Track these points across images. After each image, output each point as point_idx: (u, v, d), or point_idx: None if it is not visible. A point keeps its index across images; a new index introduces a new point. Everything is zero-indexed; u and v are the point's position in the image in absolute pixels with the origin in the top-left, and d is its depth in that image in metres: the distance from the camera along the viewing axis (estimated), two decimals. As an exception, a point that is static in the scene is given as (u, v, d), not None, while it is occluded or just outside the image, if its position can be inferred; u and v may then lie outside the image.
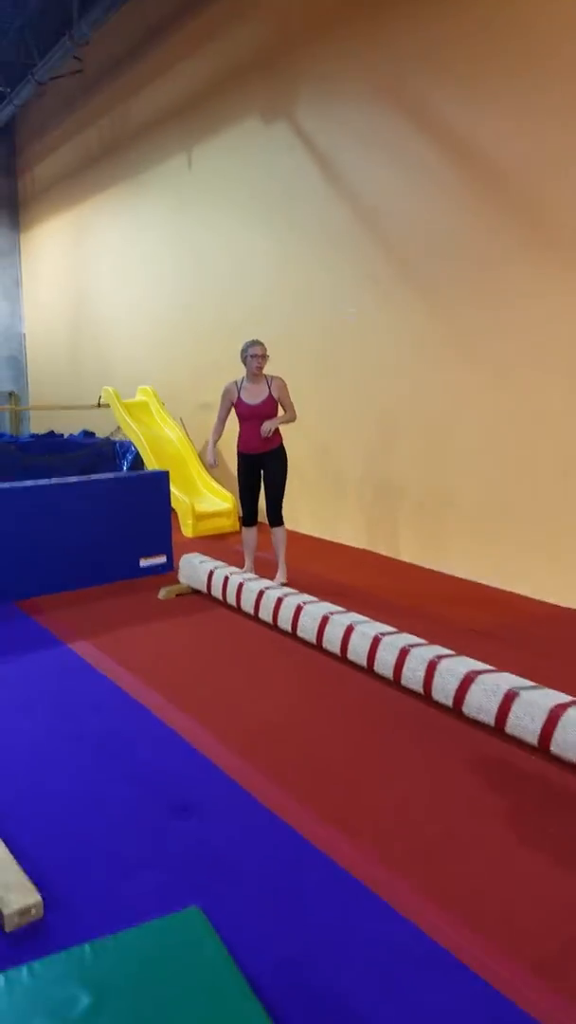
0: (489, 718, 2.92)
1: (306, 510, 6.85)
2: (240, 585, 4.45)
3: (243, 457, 5.26)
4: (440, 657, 3.19)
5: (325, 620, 3.78)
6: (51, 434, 9.27)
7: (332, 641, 3.73)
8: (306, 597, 4.11)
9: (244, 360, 5.13)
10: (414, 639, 3.44)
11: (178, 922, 1.96)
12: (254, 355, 5.07)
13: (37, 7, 8.68)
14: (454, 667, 3.10)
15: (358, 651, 3.57)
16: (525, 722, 2.77)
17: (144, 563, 5.46)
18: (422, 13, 5.13)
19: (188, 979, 1.78)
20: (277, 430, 5.18)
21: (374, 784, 2.69)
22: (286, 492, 5.29)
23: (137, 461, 8.02)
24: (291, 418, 5.20)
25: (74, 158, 10.75)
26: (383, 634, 3.50)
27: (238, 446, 5.27)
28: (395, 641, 3.41)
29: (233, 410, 5.22)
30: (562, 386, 4.56)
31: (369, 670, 3.56)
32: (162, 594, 4.92)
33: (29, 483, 5.09)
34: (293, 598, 4.09)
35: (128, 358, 9.81)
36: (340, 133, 6.02)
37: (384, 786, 2.68)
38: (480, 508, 5.19)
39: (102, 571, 5.28)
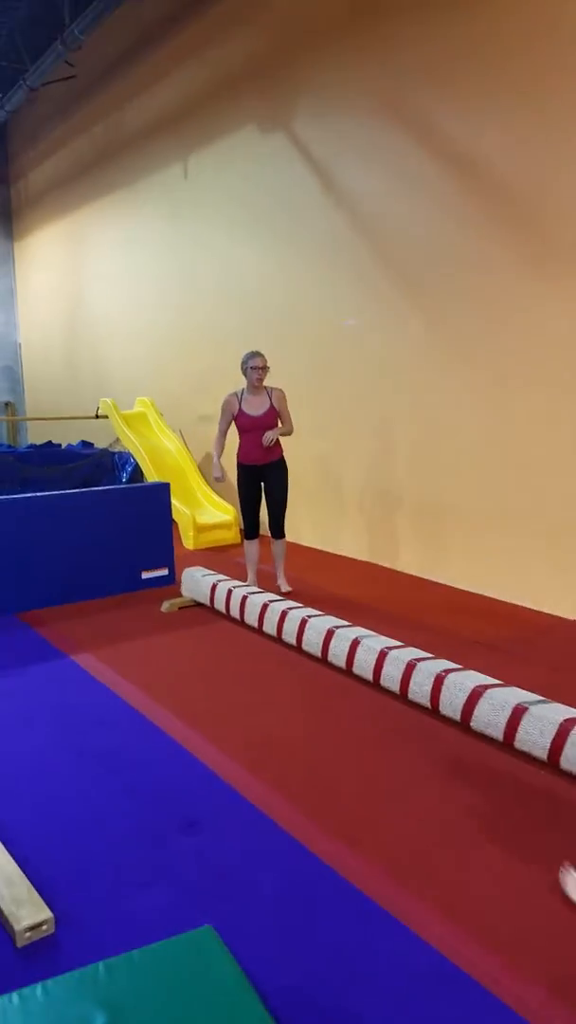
0: (497, 733, 2.92)
1: (307, 521, 6.86)
2: (244, 598, 4.44)
3: (244, 469, 5.26)
4: (447, 671, 3.19)
5: (330, 634, 3.78)
6: (49, 444, 9.25)
7: (337, 655, 3.72)
8: (310, 610, 4.11)
9: (244, 372, 5.14)
10: (420, 653, 3.44)
11: (191, 941, 1.94)
12: (254, 367, 5.08)
13: (28, 10, 8.49)
14: (461, 681, 3.10)
15: (364, 665, 3.56)
16: (534, 736, 2.77)
17: (146, 575, 5.45)
18: (423, 25, 5.17)
19: (203, 999, 1.77)
20: (278, 441, 5.20)
21: (382, 799, 2.68)
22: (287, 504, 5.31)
23: (136, 473, 8.02)
24: (289, 430, 5.21)
25: (68, 166, 10.71)
26: (389, 648, 3.49)
27: (239, 458, 5.27)
28: (401, 655, 3.41)
29: (233, 422, 5.23)
30: (562, 395, 4.59)
31: (375, 684, 3.56)
32: (165, 607, 4.91)
33: (30, 494, 5.08)
34: (297, 611, 4.09)
35: (125, 368, 9.82)
36: (338, 144, 6.04)
37: (392, 801, 2.67)
38: (481, 519, 5.21)
39: (103, 583, 5.27)
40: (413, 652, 3.45)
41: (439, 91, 5.12)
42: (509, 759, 2.92)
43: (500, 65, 4.70)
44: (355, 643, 3.63)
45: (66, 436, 10.33)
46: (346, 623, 3.91)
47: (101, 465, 8.59)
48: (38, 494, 5.10)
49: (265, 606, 4.27)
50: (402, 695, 3.38)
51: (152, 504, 5.49)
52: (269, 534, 5.44)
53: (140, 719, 3.34)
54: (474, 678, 3.12)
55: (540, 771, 2.82)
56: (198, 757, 2.99)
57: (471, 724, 3.03)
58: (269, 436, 5.05)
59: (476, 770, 2.86)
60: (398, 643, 3.59)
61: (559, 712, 2.78)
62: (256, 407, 5.14)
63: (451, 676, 3.15)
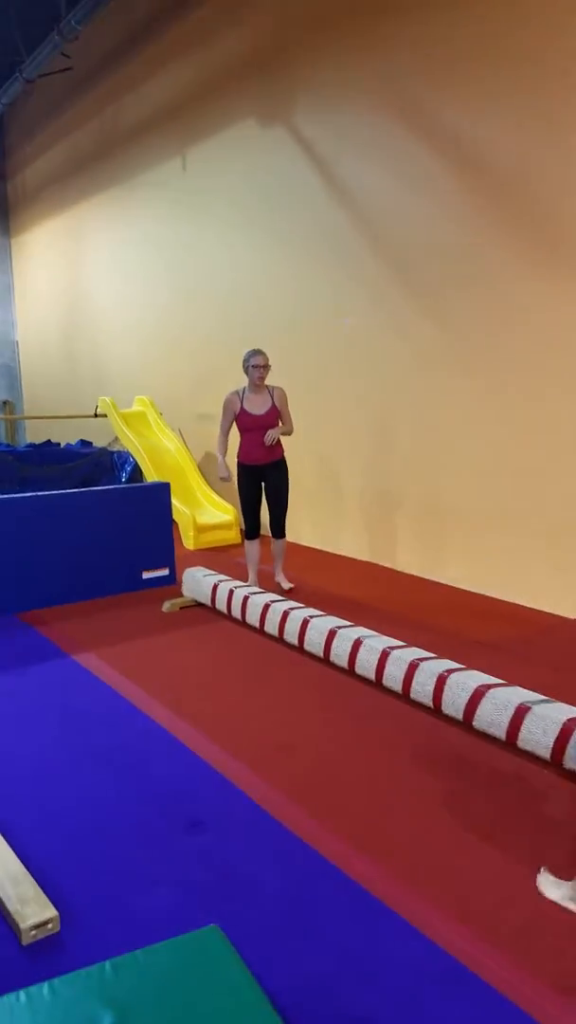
0: (500, 732, 2.92)
1: (307, 521, 6.86)
2: (245, 598, 4.44)
3: (245, 469, 5.25)
4: (450, 671, 3.20)
5: (332, 634, 3.78)
6: (48, 443, 9.24)
7: (340, 655, 3.73)
8: (312, 611, 4.11)
9: (246, 370, 5.12)
10: (422, 653, 3.45)
11: (197, 940, 1.94)
12: (256, 365, 5.06)
13: (24, 0, 8.36)
14: (464, 681, 3.10)
15: (366, 665, 3.57)
16: (537, 736, 2.77)
17: (147, 575, 5.44)
18: (425, 19, 5.15)
19: (210, 998, 1.77)
20: (279, 441, 5.19)
21: (385, 798, 2.68)
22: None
23: (136, 472, 8.01)
24: (289, 430, 5.20)
25: (65, 160, 10.65)
26: (391, 648, 3.50)
27: (239, 457, 5.26)
28: (403, 655, 3.41)
29: (234, 422, 5.22)
30: (564, 395, 4.59)
31: (378, 684, 3.56)
32: (166, 607, 4.91)
33: (30, 494, 5.08)
34: (299, 612, 4.09)
35: (124, 366, 9.80)
36: (339, 138, 6.02)
37: (395, 800, 2.67)
38: (481, 519, 5.21)
39: (104, 583, 5.26)
40: (415, 652, 3.45)
41: (439, 84, 5.11)
42: (512, 758, 2.93)
43: (503, 59, 4.68)
44: (357, 643, 3.64)
45: (64, 435, 10.31)
46: (348, 623, 3.91)
47: (100, 464, 8.58)
48: (39, 493, 5.09)
49: (267, 606, 4.27)
50: (404, 695, 3.39)
51: (153, 504, 5.49)
52: (269, 534, 5.45)
53: (143, 718, 3.34)
54: (477, 678, 3.12)
55: (543, 770, 2.82)
56: (201, 756, 2.99)
57: (474, 723, 3.04)
58: (271, 435, 5.04)
59: (480, 770, 2.87)
60: (400, 643, 3.59)
61: (562, 712, 2.79)
62: (258, 406, 5.13)
63: (454, 676, 3.15)
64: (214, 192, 7.59)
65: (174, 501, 6.54)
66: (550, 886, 2.15)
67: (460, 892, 2.18)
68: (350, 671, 3.72)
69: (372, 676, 3.54)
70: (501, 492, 5.05)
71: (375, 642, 3.59)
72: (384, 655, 3.47)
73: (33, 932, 2.03)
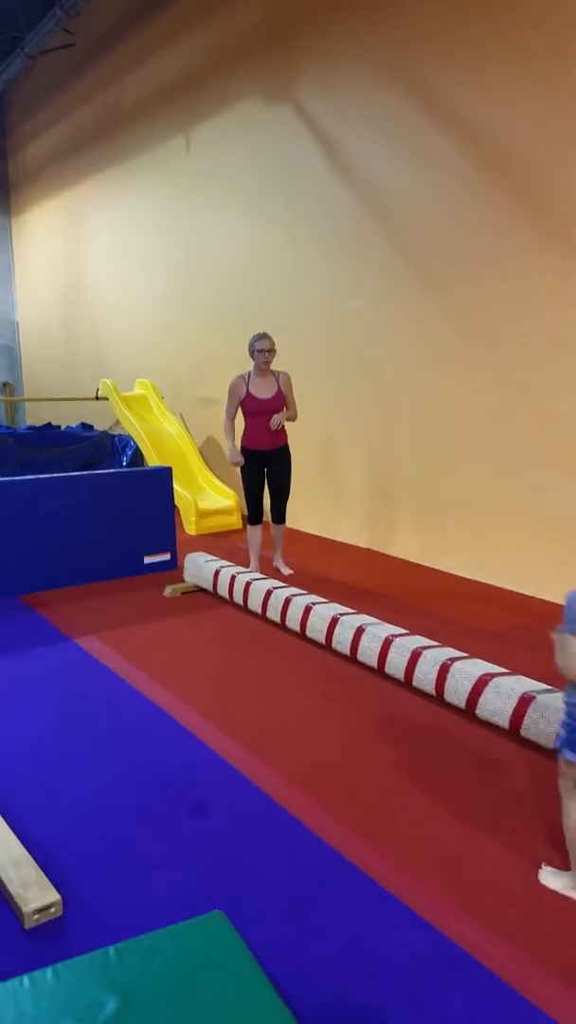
0: (503, 721, 2.92)
1: (307, 508, 6.83)
2: (247, 584, 4.43)
3: (250, 454, 5.21)
4: (452, 659, 3.19)
5: (335, 621, 3.77)
6: (48, 426, 9.20)
7: (342, 643, 3.72)
8: (314, 597, 4.10)
9: (251, 354, 5.08)
10: (425, 641, 3.44)
11: (202, 926, 1.94)
12: (261, 349, 5.02)
13: None
14: (467, 669, 3.09)
15: (368, 653, 3.56)
16: (541, 725, 2.77)
17: (148, 560, 5.43)
18: None
19: (215, 984, 1.77)
20: (284, 427, 5.16)
21: (388, 785, 2.68)
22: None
23: (137, 456, 7.97)
24: (293, 415, 5.17)
25: (67, 139, 10.51)
26: (394, 636, 3.49)
27: (244, 442, 5.22)
28: (406, 643, 3.40)
29: (240, 406, 5.18)
30: (566, 382, 4.56)
31: (380, 671, 3.55)
32: (168, 592, 4.90)
33: (32, 476, 5.05)
34: (301, 598, 4.08)
35: (126, 348, 9.72)
36: (345, 115, 5.92)
37: (399, 787, 2.67)
38: (482, 506, 5.19)
39: (105, 567, 5.25)
40: (418, 640, 3.44)
41: (447, 58, 5.01)
42: (517, 748, 2.93)
43: (512, 31, 4.56)
44: (360, 630, 3.63)
45: (65, 418, 10.26)
46: (351, 610, 3.90)
47: (101, 448, 8.55)
48: (40, 476, 5.07)
49: (269, 592, 4.26)
50: (407, 683, 3.38)
51: (155, 488, 5.46)
52: (271, 520, 5.43)
53: (145, 702, 3.34)
54: (480, 666, 3.12)
55: (548, 760, 2.82)
56: (204, 740, 2.98)
57: (476, 712, 3.03)
58: (277, 419, 5.01)
59: (483, 758, 2.87)
60: (403, 631, 3.59)
61: (566, 702, 2.77)
62: (264, 390, 5.09)
63: (456, 664, 3.14)
64: (216, 172, 7.49)
65: (176, 486, 6.51)
66: (550, 876, 2.16)
67: (464, 880, 2.18)
68: (352, 658, 3.72)
69: (375, 664, 3.54)
70: (503, 479, 5.02)
71: (378, 630, 3.58)
72: (387, 643, 3.46)
73: (36, 916, 2.03)
